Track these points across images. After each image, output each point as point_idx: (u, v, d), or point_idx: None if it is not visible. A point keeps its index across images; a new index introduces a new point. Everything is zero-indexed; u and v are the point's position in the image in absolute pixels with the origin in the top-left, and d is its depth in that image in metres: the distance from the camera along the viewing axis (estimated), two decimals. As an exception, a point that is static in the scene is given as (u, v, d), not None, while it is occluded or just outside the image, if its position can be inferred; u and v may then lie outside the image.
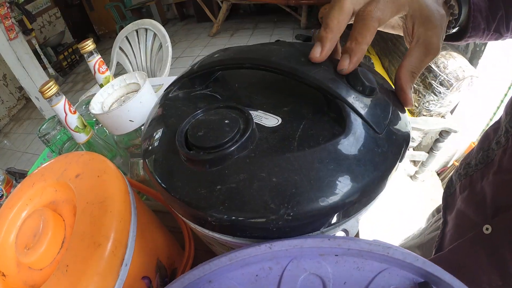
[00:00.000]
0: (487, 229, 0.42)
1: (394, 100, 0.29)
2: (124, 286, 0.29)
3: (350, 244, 0.21)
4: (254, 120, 0.27)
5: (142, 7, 4.84)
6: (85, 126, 0.53)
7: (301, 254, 0.21)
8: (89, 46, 0.59)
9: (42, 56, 3.96)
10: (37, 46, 3.88)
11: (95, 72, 0.61)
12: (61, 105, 0.51)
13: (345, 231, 0.27)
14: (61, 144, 0.72)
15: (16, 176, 1.05)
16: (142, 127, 0.50)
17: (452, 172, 0.59)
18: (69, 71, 4.75)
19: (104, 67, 0.61)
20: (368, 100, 0.26)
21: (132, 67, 1.56)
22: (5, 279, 0.33)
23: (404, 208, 1.58)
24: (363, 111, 0.25)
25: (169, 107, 0.32)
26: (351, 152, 0.23)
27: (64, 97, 0.52)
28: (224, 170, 0.23)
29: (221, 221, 0.22)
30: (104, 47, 5.00)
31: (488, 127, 0.51)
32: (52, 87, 0.50)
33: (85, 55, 0.60)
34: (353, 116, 0.24)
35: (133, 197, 0.32)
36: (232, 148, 0.23)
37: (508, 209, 0.40)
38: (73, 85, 4.34)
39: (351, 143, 0.23)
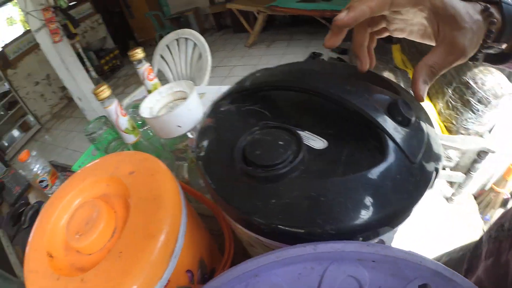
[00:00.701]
0: None
1: (430, 129, 0.31)
2: (170, 277, 0.31)
3: (387, 252, 0.22)
4: (303, 142, 0.29)
5: (181, 16, 4.99)
6: (134, 128, 0.57)
7: (342, 257, 0.23)
8: (139, 54, 0.64)
9: (85, 60, 4.15)
10: (80, 50, 4.08)
11: (144, 78, 0.65)
12: (113, 107, 0.55)
13: (381, 241, 0.28)
14: (107, 143, 0.77)
15: (58, 169, 1.13)
16: (187, 133, 0.54)
17: (485, 229, 0.53)
18: (111, 75, 5.01)
19: (152, 74, 0.66)
20: (406, 131, 0.28)
21: (172, 75, 1.62)
22: (52, 260, 0.36)
23: (438, 232, 1.53)
24: (401, 142, 0.27)
25: (223, 120, 0.36)
26: (388, 179, 0.26)
27: (116, 100, 0.56)
28: (278, 187, 0.26)
29: (273, 230, 0.25)
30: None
31: None
32: (105, 91, 0.54)
33: (134, 63, 0.65)
34: (392, 146, 0.27)
35: (183, 197, 0.35)
36: (286, 169, 0.27)
37: None
38: (113, 88, 4.56)
39: (388, 172, 0.26)
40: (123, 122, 0.56)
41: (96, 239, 0.34)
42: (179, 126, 0.50)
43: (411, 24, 0.34)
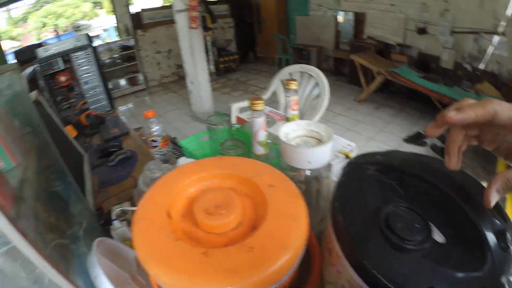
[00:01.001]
0: None
1: None
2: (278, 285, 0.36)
3: None
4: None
5: (304, 49, 5.22)
6: (266, 143, 0.66)
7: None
8: (293, 85, 0.73)
9: (210, 53, 4.57)
10: (209, 43, 4.52)
11: (288, 107, 0.74)
12: (260, 120, 0.64)
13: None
14: (222, 139, 0.86)
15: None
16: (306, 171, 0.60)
17: None
18: (223, 74, 5.49)
19: (296, 106, 0.75)
20: (503, 254, 0.33)
21: (285, 101, 1.73)
22: (170, 220, 0.42)
23: None
24: (497, 261, 0.33)
25: (366, 181, 0.43)
26: (479, 285, 0.31)
27: (265, 115, 0.65)
28: (405, 257, 0.33)
29: (383, 286, 0.32)
30: (259, 69, 5.64)
31: None
32: (260, 104, 0.63)
33: (286, 91, 0.75)
34: (491, 261, 0.32)
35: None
36: (415, 247, 0.34)
37: None
38: (221, 86, 4.97)
39: (481, 279, 0.32)
40: (262, 135, 0.65)
41: (222, 224, 0.40)
42: (309, 162, 0.57)
43: (501, 141, 0.37)
